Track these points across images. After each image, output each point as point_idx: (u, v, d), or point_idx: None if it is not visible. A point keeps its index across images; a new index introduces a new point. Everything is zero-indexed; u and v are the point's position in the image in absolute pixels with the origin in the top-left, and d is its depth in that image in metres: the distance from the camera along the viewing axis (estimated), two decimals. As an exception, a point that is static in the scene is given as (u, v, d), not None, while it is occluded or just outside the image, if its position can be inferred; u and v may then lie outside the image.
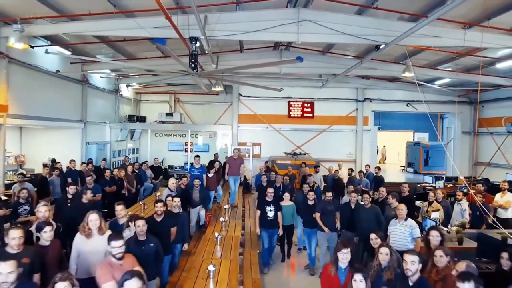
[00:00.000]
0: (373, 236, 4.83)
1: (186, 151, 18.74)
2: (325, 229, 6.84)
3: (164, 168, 16.81)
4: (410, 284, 3.59)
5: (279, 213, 7.25)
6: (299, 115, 17.71)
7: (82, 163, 11.53)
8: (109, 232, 4.52)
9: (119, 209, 5.45)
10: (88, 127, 13.75)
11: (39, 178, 9.45)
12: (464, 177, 11.65)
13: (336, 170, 11.86)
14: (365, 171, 11.48)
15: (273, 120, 17.59)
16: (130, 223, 5.13)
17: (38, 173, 10.73)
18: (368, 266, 4.10)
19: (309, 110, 17.68)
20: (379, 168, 11.51)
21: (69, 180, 9.32)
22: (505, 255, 4.10)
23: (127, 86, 17.42)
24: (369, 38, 8.88)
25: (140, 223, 4.60)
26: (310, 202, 7.34)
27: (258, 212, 7.35)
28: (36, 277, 3.79)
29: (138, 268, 3.76)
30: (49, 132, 12.59)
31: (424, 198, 9.09)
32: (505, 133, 15.44)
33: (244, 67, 8.39)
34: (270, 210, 7.20)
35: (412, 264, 3.55)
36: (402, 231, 5.52)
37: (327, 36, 8.97)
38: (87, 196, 6.89)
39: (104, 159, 12.59)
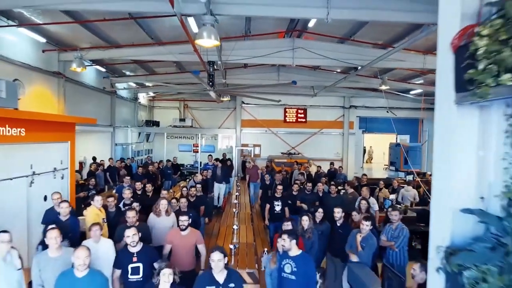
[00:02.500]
0: (336, 210, 6.19)
1: (194, 151, 21.21)
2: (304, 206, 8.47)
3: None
4: (338, 225, 6.05)
5: (286, 208, 8.06)
6: (294, 120, 20.25)
7: (110, 159, 13.97)
8: (173, 214, 6.06)
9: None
10: (115, 131, 16.18)
11: (88, 172, 11.88)
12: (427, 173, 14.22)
13: (307, 167, 14.51)
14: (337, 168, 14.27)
15: (271, 124, 20.11)
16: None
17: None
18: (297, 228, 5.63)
19: (302, 115, 20.23)
20: (332, 163, 14.61)
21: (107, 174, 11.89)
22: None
23: (147, 94, 19.81)
24: (349, 62, 11.38)
25: (183, 200, 6.88)
26: (294, 193, 8.78)
27: (267, 206, 8.27)
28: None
29: (199, 240, 5.19)
30: (85, 135, 14.97)
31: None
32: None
33: (250, 86, 10.91)
34: (278, 205, 8.02)
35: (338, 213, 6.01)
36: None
37: (316, 60, 11.47)
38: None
39: (130, 158, 15.03)
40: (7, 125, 5.21)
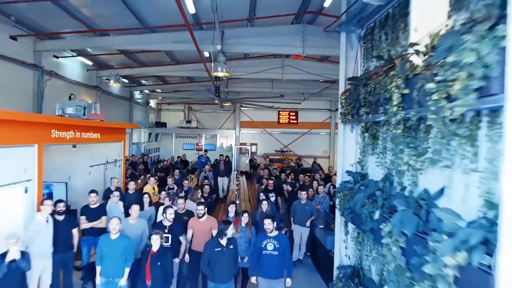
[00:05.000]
0: (302, 192, 8.80)
1: (197, 149, 24.19)
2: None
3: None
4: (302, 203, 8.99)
5: (279, 198, 9.61)
6: (286, 121, 23.27)
7: (132, 155, 16.92)
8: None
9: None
10: (132, 132, 19.11)
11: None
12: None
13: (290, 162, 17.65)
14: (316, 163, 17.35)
15: (267, 125, 23.12)
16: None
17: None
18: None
19: (294, 117, 23.25)
20: (300, 159, 17.61)
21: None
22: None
23: (156, 98, 22.77)
24: (327, 76, 14.37)
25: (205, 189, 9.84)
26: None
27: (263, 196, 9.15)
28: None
29: (215, 225, 6.12)
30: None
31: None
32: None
33: (250, 98, 13.87)
34: (272, 196, 8.79)
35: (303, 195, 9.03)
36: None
37: (301, 75, 14.46)
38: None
39: (146, 155, 17.98)
40: (96, 132, 8.18)
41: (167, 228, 5.92)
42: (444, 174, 3.39)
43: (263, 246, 5.46)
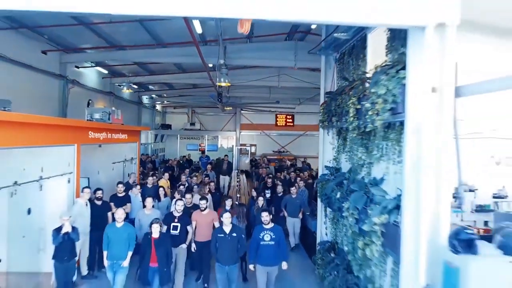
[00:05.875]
0: (292, 188, 10.76)
1: (200, 150, 25.63)
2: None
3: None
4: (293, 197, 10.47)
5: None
6: (284, 124, 24.69)
7: (142, 155, 18.33)
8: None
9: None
10: (140, 133, 20.51)
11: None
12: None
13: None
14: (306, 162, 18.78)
15: (265, 127, 24.56)
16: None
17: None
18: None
19: (290, 120, 24.67)
20: (304, 160, 19.08)
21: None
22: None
23: (162, 102, 24.26)
24: (318, 84, 15.81)
25: (210, 186, 11.30)
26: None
27: (254, 192, 10.00)
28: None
29: (216, 218, 6.80)
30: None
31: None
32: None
33: (249, 103, 15.30)
34: (268, 193, 10.03)
35: (293, 190, 10.46)
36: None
37: (295, 83, 15.90)
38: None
39: (155, 155, 19.41)
40: (119, 133, 9.63)
41: (177, 218, 6.62)
42: (384, 165, 4.83)
43: (260, 237, 5.90)
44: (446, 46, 3.54)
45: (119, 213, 6.17)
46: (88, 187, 7.17)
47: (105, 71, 14.63)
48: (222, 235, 5.90)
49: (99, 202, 7.18)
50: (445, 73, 3.55)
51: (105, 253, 6.08)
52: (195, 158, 25.47)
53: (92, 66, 13.41)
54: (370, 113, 4.26)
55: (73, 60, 11.85)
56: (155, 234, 5.90)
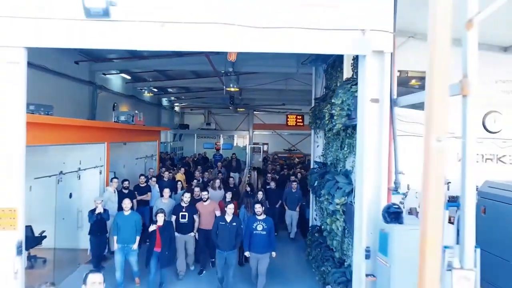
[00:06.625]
0: (293, 183, 12.35)
1: (215, 148, 27.08)
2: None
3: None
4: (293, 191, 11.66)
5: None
6: (294, 124, 25.73)
7: (161, 152, 19.89)
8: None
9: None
10: (160, 133, 22.13)
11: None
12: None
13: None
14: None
15: (276, 127, 25.75)
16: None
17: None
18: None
19: (300, 120, 25.67)
20: (304, 156, 19.75)
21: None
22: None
23: (180, 104, 25.85)
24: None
25: (218, 181, 12.68)
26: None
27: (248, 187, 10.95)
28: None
29: (216, 207, 7.66)
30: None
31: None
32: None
33: (260, 105, 16.55)
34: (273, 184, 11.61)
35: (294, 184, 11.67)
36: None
37: (303, 86, 17.03)
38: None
39: (174, 153, 20.95)
40: (141, 134, 11.10)
41: (184, 208, 7.43)
42: (352, 159, 6.00)
43: (253, 227, 6.48)
44: (384, 68, 4.70)
45: (126, 203, 6.90)
46: (116, 177, 8.63)
47: (129, 77, 16.19)
48: (223, 223, 6.55)
49: (125, 191, 8.61)
50: (384, 88, 4.71)
51: (114, 238, 6.80)
52: (211, 156, 27.03)
53: (117, 73, 14.98)
54: (335, 117, 5.45)
55: (101, 68, 13.41)
56: (160, 222, 6.56)
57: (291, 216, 10.37)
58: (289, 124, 25.98)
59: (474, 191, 3.54)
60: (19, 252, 4.31)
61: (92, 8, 4.13)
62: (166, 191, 8.56)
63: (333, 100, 5.22)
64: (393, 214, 4.44)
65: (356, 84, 4.98)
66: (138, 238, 6.85)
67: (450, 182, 9.41)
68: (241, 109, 21.63)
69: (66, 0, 4.37)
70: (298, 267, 8.12)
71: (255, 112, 25.93)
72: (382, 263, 4.54)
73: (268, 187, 11.05)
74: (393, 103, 4.75)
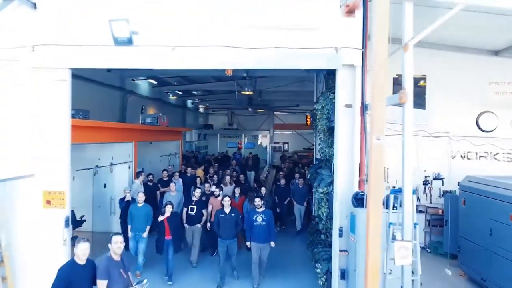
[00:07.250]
0: (300, 180, 13.53)
1: (238, 148, 28.33)
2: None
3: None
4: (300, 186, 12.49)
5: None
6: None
7: (187, 151, 21.36)
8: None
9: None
10: (185, 132, 23.65)
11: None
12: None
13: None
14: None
15: (296, 127, 26.59)
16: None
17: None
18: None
19: (320, 120, 26.54)
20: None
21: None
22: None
23: (204, 105, 27.32)
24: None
25: (228, 178, 13.82)
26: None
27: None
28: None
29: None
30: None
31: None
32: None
33: (278, 106, 17.56)
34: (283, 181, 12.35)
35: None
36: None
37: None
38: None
39: (198, 151, 22.42)
40: (165, 134, 12.45)
41: (194, 202, 8.11)
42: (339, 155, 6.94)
43: (254, 219, 6.99)
44: (355, 78, 5.64)
45: (140, 196, 7.74)
46: (142, 172, 9.97)
47: (155, 82, 17.69)
48: (223, 215, 7.21)
49: (150, 184, 9.93)
50: (356, 95, 5.65)
51: (129, 227, 7.62)
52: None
53: (144, 79, 16.50)
54: (317, 120, 6.43)
55: (130, 75, 14.93)
56: (167, 213, 7.13)
57: (299, 209, 11.12)
58: (309, 124, 26.81)
59: (411, 179, 4.44)
60: (66, 225, 5.65)
61: (119, 38, 5.38)
62: (172, 185, 9.31)
63: (315, 106, 6.21)
64: (359, 200, 5.39)
65: (334, 92, 5.94)
66: (148, 227, 7.57)
67: (444, 178, 10.23)
68: (260, 110, 22.70)
69: (99, 31, 5.65)
70: (298, 254, 8.99)
71: (275, 113, 26.93)
72: (352, 239, 5.51)
73: (278, 183, 12.02)
74: (364, 107, 5.67)
